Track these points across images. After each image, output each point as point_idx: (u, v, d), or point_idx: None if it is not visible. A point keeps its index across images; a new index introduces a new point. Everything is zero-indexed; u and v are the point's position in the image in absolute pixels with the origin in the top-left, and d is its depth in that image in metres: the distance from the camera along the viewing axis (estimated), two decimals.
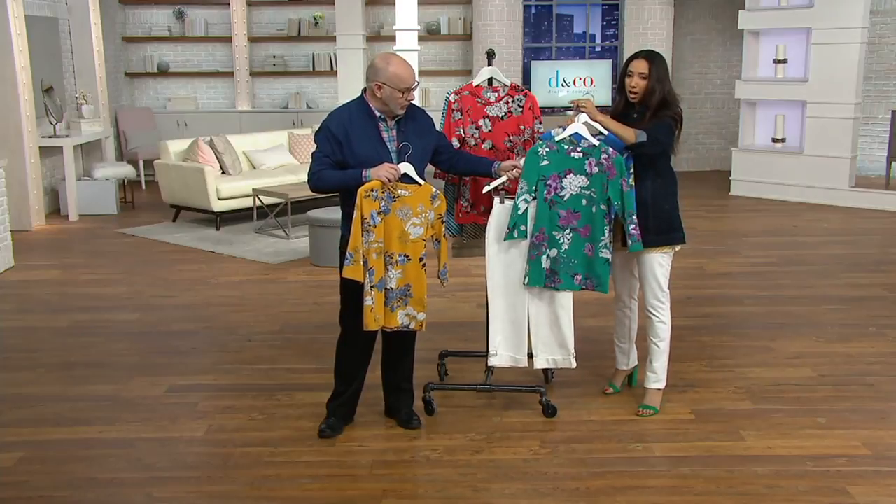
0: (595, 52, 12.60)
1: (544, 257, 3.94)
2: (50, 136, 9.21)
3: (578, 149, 3.91)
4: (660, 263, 4.10)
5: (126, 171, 10.02)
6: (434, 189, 3.82)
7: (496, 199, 3.98)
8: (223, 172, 8.98)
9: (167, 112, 12.09)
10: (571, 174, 3.91)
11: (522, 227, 3.92)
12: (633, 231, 3.92)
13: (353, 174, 3.72)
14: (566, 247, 3.94)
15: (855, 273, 6.84)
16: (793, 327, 5.50)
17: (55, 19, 9.88)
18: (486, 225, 4.19)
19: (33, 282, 6.80)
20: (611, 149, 3.91)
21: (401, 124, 3.85)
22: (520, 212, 3.90)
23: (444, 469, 3.68)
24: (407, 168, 3.74)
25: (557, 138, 3.92)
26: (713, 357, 4.99)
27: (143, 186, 11.19)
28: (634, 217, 3.92)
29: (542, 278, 3.95)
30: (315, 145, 3.82)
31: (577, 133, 3.92)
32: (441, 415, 4.20)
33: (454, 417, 4.17)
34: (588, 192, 3.91)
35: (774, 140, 10.34)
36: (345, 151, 3.75)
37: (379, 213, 3.71)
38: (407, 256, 3.79)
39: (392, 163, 3.75)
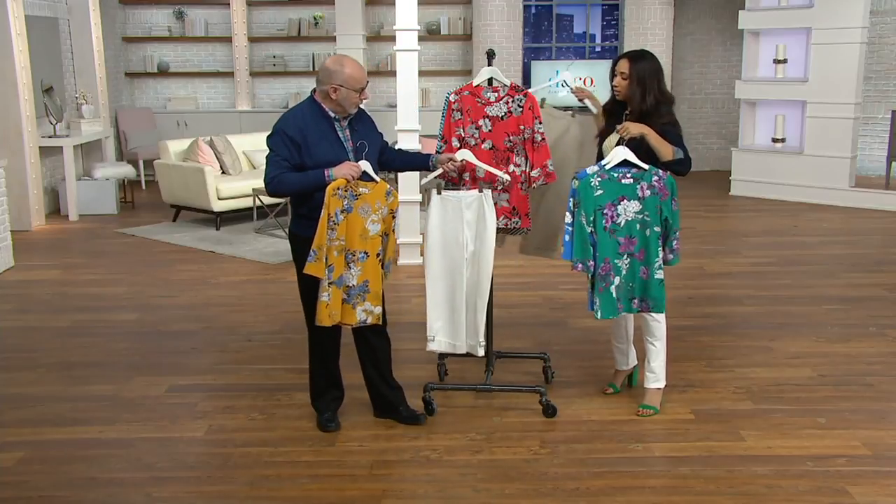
0: (595, 52, 12.60)
1: (613, 287, 3.98)
2: (50, 136, 9.21)
3: (628, 175, 3.95)
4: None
5: (126, 171, 10.02)
6: (388, 186, 3.88)
7: (433, 192, 4.04)
8: (223, 172, 8.98)
9: (167, 112, 12.09)
10: (625, 200, 3.96)
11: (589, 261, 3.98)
12: (676, 246, 4.00)
13: (315, 175, 3.73)
14: (625, 272, 4.00)
15: (855, 273, 6.84)
16: (793, 327, 5.50)
17: (55, 19, 9.88)
18: None
19: (33, 282, 6.80)
20: (661, 170, 3.96)
21: (353, 124, 3.90)
22: (588, 230, 3.95)
23: (444, 469, 3.68)
24: (366, 166, 3.79)
25: (608, 168, 3.96)
26: (713, 357, 4.99)
27: (143, 186, 11.20)
28: (678, 233, 3.99)
29: (614, 309, 4.00)
30: (269, 150, 3.80)
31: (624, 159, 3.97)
32: (441, 415, 4.20)
33: (454, 417, 4.18)
34: (641, 217, 3.96)
35: (774, 140, 10.34)
36: (303, 154, 3.76)
37: (342, 212, 3.75)
38: (366, 253, 3.84)
39: (350, 161, 3.79)
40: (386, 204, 3.86)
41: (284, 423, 4.15)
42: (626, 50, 11.63)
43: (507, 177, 4.08)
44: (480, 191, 3.99)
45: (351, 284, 3.83)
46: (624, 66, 4.09)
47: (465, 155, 4.03)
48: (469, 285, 4.05)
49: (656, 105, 4.04)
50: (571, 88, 4.41)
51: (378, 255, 3.88)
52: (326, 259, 3.75)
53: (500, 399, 4.36)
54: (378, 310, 3.92)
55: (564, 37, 12.62)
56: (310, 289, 3.90)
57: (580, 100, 4.41)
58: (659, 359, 4.22)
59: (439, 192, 4.03)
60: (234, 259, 7.46)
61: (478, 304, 4.04)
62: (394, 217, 3.91)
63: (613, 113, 4.22)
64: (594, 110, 4.40)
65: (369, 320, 3.91)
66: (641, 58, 4.10)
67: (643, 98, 4.04)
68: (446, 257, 4.06)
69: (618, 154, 3.95)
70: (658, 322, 4.18)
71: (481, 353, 4.07)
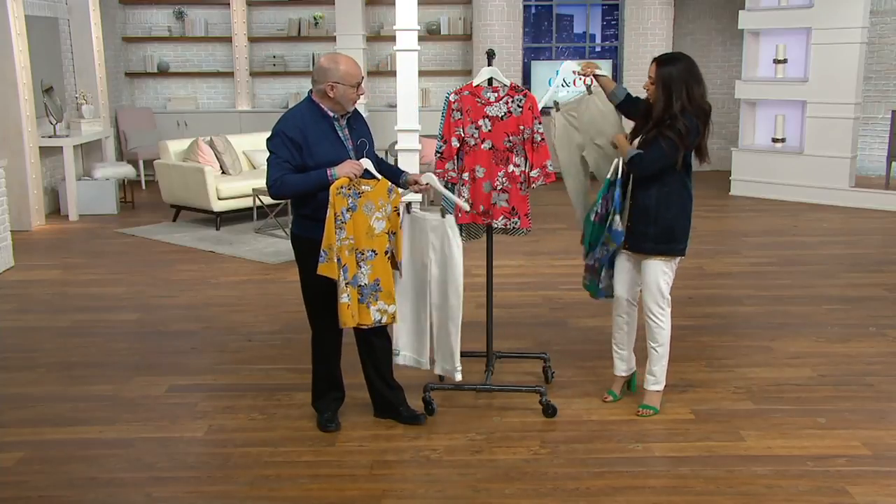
0: (595, 52, 12.60)
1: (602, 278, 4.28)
2: (50, 136, 9.21)
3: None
4: (663, 270, 4.10)
5: (126, 171, 10.02)
6: (390, 183, 3.86)
7: (402, 209, 3.98)
8: (223, 172, 8.98)
9: (167, 112, 12.09)
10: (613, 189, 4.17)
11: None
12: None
13: (318, 175, 3.72)
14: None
15: (855, 273, 6.84)
16: (793, 327, 5.50)
17: (55, 19, 9.88)
18: (485, 224, 4.23)
19: (33, 282, 6.80)
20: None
21: (351, 122, 3.90)
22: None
23: (444, 469, 3.68)
24: (367, 164, 3.79)
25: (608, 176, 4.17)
26: (713, 357, 4.99)
27: (143, 186, 11.20)
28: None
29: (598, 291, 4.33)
30: (269, 152, 3.79)
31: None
32: (441, 415, 4.20)
33: (454, 417, 4.18)
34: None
35: (774, 140, 10.34)
36: (304, 154, 3.76)
37: (348, 210, 3.75)
38: (374, 251, 3.84)
39: (352, 160, 3.80)
40: (389, 201, 3.86)
41: (284, 423, 4.15)
42: (626, 50, 11.74)
43: (467, 207, 4.09)
44: (443, 216, 3.96)
45: (363, 283, 3.83)
46: (651, 69, 3.94)
47: (429, 179, 4.02)
48: (435, 308, 4.04)
49: (681, 112, 3.87)
50: (578, 73, 4.24)
51: (386, 252, 3.87)
52: (339, 259, 3.74)
53: (500, 399, 4.36)
54: (392, 308, 3.90)
55: (564, 37, 12.61)
56: (314, 290, 3.89)
57: (586, 76, 4.20)
58: (660, 363, 4.21)
59: (408, 211, 4.01)
60: (234, 259, 7.46)
61: (450, 328, 4.02)
62: (398, 214, 3.90)
63: (647, 116, 4.04)
64: (604, 73, 4.24)
65: (384, 320, 3.89)
66: (670, 62, 3.92)
67: (667, 104, 3.87)
68: (414, 276, 4.06)
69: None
70: (662, 329, 4.16)
71: (458, 377, 4.07)
